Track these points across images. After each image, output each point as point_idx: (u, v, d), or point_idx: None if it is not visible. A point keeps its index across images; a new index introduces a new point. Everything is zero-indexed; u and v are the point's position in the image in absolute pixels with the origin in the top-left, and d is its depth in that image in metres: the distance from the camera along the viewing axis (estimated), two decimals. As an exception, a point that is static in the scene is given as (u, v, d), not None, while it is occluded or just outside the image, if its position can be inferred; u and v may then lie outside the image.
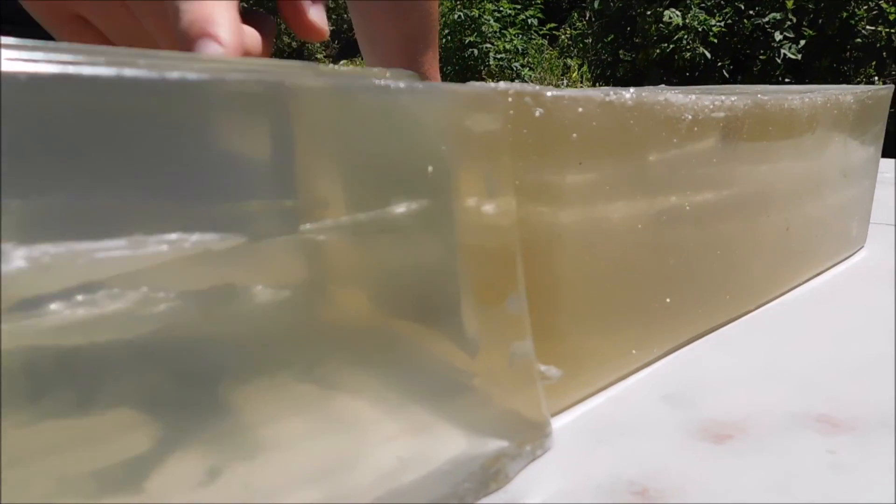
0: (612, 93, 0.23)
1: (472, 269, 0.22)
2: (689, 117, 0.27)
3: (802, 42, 3.85)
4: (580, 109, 0.22)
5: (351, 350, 0.21)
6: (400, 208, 0.21)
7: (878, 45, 3.78)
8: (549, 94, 0.21)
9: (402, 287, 0.22)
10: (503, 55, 4.87)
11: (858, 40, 3.84)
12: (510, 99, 0.21)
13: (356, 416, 0.21)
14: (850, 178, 0.43)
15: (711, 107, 0.28)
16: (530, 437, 0.23)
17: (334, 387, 0.21)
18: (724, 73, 4.00)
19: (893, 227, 0.56)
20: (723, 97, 0.29)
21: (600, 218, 0.25)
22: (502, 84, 0.22)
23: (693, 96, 0.27)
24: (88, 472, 0.17)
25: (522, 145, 0.22)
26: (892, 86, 0.47)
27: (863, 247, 0.49)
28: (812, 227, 0.40)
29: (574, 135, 0.22)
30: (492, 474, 0.22)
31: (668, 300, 0.29)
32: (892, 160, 1.02)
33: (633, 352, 0.28)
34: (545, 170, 0.22)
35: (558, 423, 0.24)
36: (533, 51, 5.11)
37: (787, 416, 0.25)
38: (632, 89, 0.25)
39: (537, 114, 0.21)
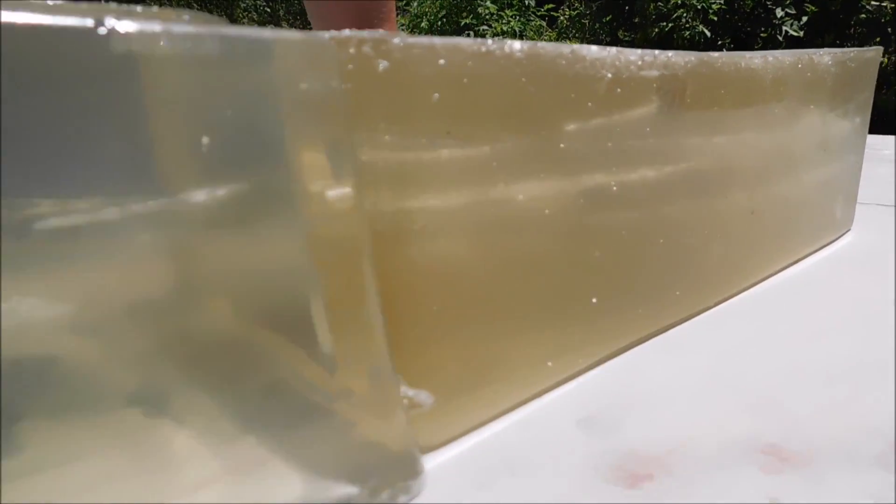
0: (491, 41, 0.18)
1: (313, 269, 0.17)
2: (609, 76, 0.22)
3: (804, 18, 3.75)
4: (441, 62, 0.17)
5: (186, 369, 0.17)
6: (211, 195, 0.16)
7: (883, 20, 3.68)
8: (395, 40, 0.16)
9: (242, 291, 0.17)
10: (500, 38, 4.77)
11: (863, 16, 3.74)
12: (351, 50, 0.16)
13: (174, 453, 0.17)
14: (830, 152, 0.38)
15: (640, 63, 0.23)
16: (390, 479, 0.18)
17: (161, 415, 0.17)
18: (725, 51, 3.90)
19: (893, 208, 0.50)
20: (656, 52, 0.23)
21: (487, 202, 0.20)
22: (346, 31, 0.17)
23: (614, 50, 0.22)
24: None
25: (367, 110, 0.17)
26: (880, 48, 0.42)
27: (849, 230, 0.43)
28: (783, 210, 0.35)
29: (436, 95, 0.17)
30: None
31: (594, 300, 0.24)
32: (893, 136, 0.97)
33: (549, 364, 0.23)
34: (399, 141, 0.17)
35: (435, 461, 0.20)
36: (531, 32, 5.01)
37: (727, 446, 0.20)
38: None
39: (381, 68, 0.16)
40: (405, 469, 0.19)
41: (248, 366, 0.18)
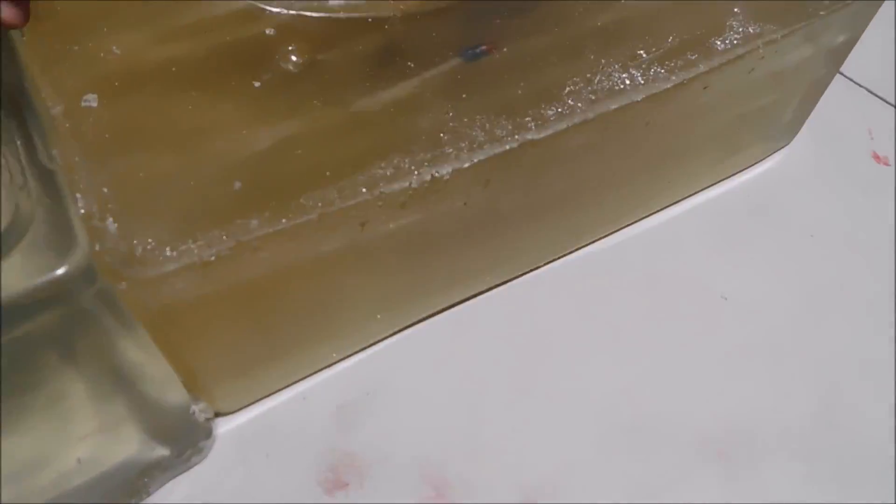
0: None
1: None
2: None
3: None
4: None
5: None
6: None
7: None
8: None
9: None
10: None
11: None
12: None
13: (67, 408, 0.21)
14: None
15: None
16: (192, 442, 0.25)
17: (59, 367, 0.20)
18: None
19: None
20: None
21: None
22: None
23: None
24: None
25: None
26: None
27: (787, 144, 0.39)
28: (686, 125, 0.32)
29: None
30: (139, 487, 0.25)
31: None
32: None
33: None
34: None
35: (225, 427, 0.27)
36: None
37: (403, 462, 0.26)
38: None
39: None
40: (201, 433, 0.26)
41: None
